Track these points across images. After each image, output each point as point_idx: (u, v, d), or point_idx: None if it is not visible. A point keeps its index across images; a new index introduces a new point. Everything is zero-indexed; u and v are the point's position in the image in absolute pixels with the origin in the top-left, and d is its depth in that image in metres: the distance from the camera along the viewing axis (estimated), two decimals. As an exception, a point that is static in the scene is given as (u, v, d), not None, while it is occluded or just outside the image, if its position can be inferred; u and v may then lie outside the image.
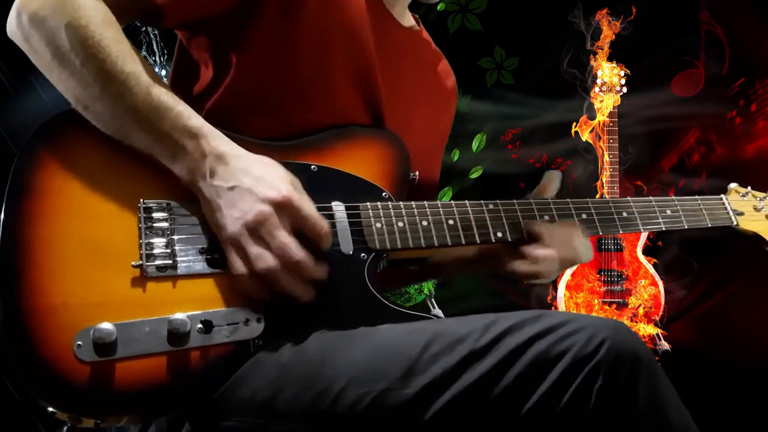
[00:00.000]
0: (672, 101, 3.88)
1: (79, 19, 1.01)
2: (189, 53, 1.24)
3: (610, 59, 3.75)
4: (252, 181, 1.01)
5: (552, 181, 1.30)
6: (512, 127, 4.12)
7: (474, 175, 3.89)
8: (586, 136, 3.73)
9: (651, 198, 1.32)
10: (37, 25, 1.02)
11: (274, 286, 1.00)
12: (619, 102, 3.69)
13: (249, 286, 1.00)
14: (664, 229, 1.30)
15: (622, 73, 3.72)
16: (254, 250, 0.99)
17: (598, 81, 3.73)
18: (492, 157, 4.01)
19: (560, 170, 4.09)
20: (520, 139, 4.13)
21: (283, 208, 1.00)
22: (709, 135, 3.93)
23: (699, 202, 1.36)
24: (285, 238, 0.99)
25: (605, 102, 3.68)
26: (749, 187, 1.46)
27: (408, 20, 1.42)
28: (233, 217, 0.99)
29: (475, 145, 3.97)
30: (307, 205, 1.03)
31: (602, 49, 3.74)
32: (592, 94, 3.76)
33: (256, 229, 0.99)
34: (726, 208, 1.39)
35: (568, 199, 1.25)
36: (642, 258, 3.67)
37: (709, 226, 1.35)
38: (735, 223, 1.38)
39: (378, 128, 1.29)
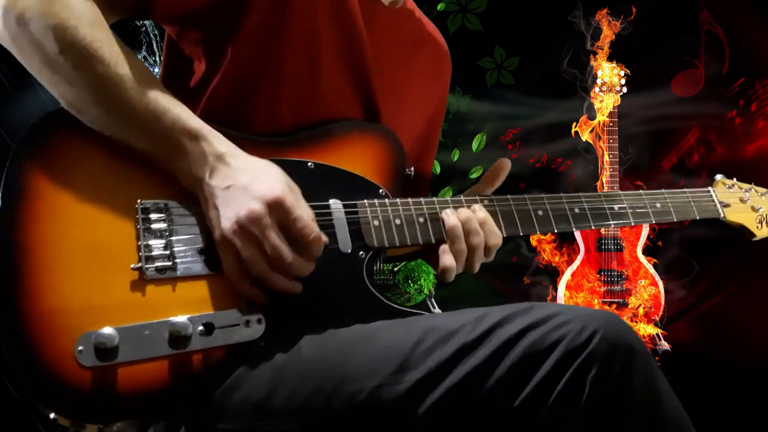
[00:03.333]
0: (672, 101, 3.88)
1: (68, 20, 0.98)
2: (180, 48, 1.21)
3: (610, 59, 3.75)
4: (248, 179, 1.00)
5: (503, 168, 1.29)
6: (512, 127, 4.11)
7: (474, 175, 3.88)
8: (586, 136, 3.73)
9: (641, 192, 1.33)
10: (23, 26, 0.98)
11: (267, 285, 1.00)
12: (619, 102, 3.68)
13: (243, 289, 1.00)
14: (654, 222, 1.33)
15: (622, 73, 3.72)
16: (247, 253, 0.98)
17: (598, 81, 3.73)
18: (492, 157, 4.00)
19: (560, 170, 4.13)
20: (520, 139, 4.12)
21: (276, 207, 0.98)
22: (709, 135, 3.93)
23: (687, 194, 1.38)
24: (276, 241, 0.98)
25: (605, 102, 3.68)
26: (734, 179, 1.46)
27: None
28: (226, 216, 0.98)
29: (475, 145, 3.97)
30: (299, 209, 1.00)
31: (602, 49, 3.74)
32: (592, 94, 3.76)
33: (248, 228, 0.97)
34: (713, 200, 1.40)
35: (561, 194, 1.27)
36: (642, 258, 3.67)
37: (698, 218, 1.36)
38: (722, 215, 1.39)
39: (373, 123, 1.28)
